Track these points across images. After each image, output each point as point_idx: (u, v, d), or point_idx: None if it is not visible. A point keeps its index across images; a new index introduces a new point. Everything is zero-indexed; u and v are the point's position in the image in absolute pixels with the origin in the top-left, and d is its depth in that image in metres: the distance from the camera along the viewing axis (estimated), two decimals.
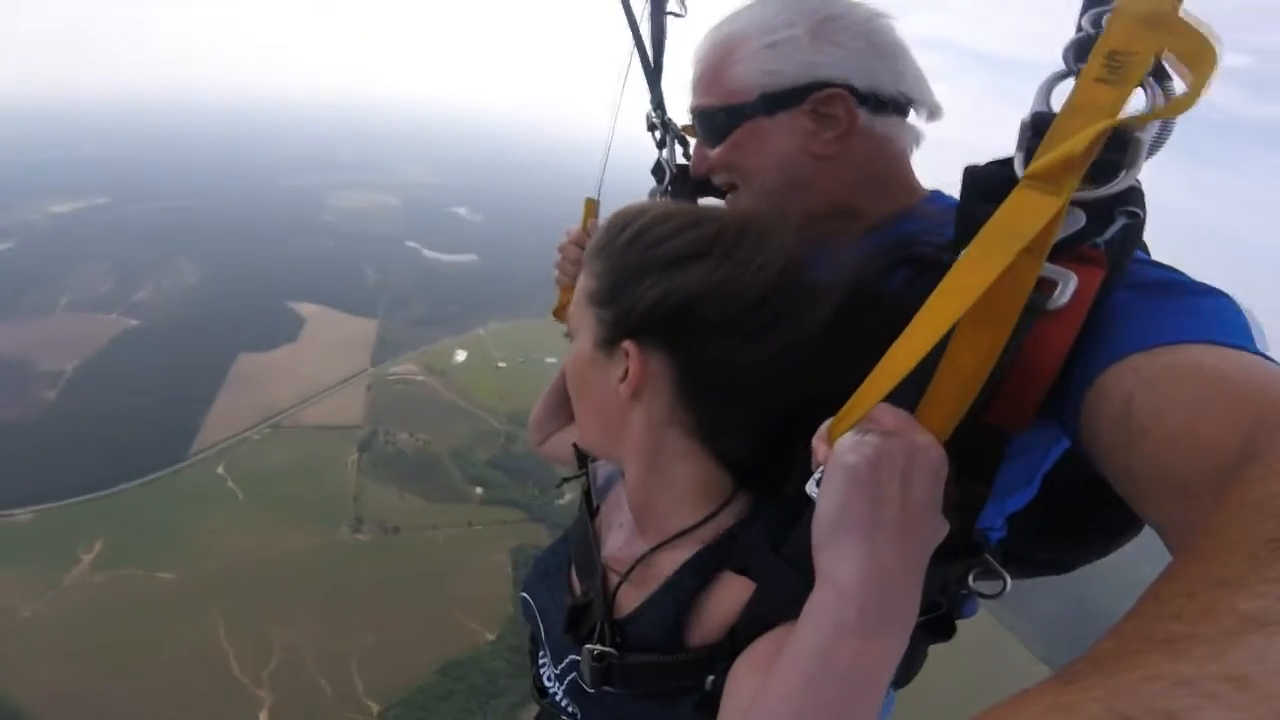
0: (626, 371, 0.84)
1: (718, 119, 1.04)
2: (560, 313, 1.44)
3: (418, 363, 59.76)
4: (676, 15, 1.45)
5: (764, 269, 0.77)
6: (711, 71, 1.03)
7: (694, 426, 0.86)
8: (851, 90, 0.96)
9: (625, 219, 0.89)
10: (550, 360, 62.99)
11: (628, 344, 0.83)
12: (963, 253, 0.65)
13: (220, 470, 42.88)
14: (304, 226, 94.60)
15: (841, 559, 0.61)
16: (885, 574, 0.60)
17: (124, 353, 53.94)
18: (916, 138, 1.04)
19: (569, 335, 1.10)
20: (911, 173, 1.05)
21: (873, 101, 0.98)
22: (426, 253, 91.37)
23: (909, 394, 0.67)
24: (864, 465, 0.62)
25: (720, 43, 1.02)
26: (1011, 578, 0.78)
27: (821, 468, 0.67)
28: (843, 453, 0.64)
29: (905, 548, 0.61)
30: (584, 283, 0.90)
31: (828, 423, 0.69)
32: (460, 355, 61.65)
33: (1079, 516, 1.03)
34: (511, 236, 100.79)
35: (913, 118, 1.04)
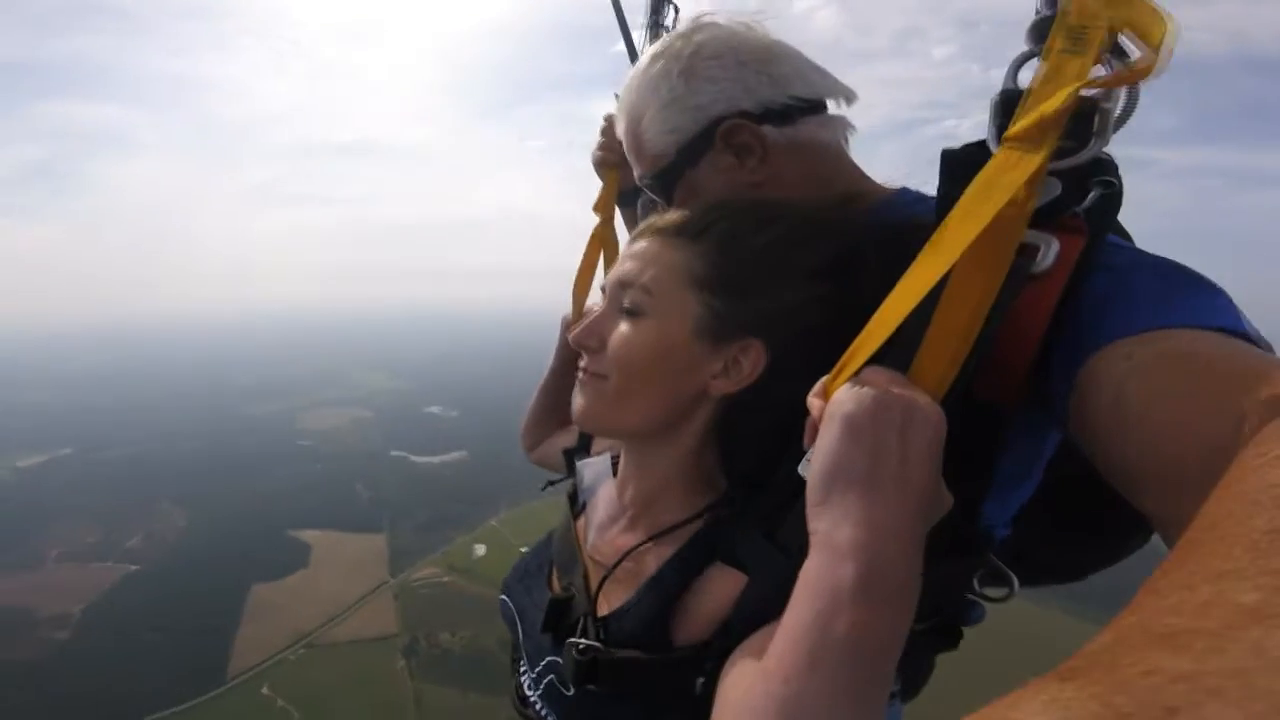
0: (728, 366, 0.87)
1: (655, 185, 1.13)
2: (602, 204, 1.60)
3: (438, 565, 62.06)
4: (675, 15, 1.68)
5: (871, 289, 0.79)
6: (633, 145, 1.14)
7: (724, 424, 0.91)
8: (745, 114, 1.03)
9: (760, 217, 0.91)
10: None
11: (754, 342, 0.86)
12: (950, 213, 0.69)
13: (266, 691, 43.58)
14: (282, 454, 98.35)
15: (838, 517, 0.61)
16: (884, 534, 0.60)
17: (130, 595, 55.18)
18: (844, 127, 1.09)
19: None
20: (858, 168, 1.11)
21: (773, 115, 1.03)
22: (414, 458, 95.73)
23: (903, 356, 0.71)
24: (863, 414, 0.63)
25: (629, 115, 1.12)
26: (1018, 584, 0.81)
27: (813, 449, 0.69)
28: (840, 403, 0.65)
29: (905, 505, 0.61)
30: (678, 261, 0.89)
31: (823, 380, 0.73)
32: (480, 549, 64.35)
33: (1088, 515, 1.07)
34: (493, 425, 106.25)
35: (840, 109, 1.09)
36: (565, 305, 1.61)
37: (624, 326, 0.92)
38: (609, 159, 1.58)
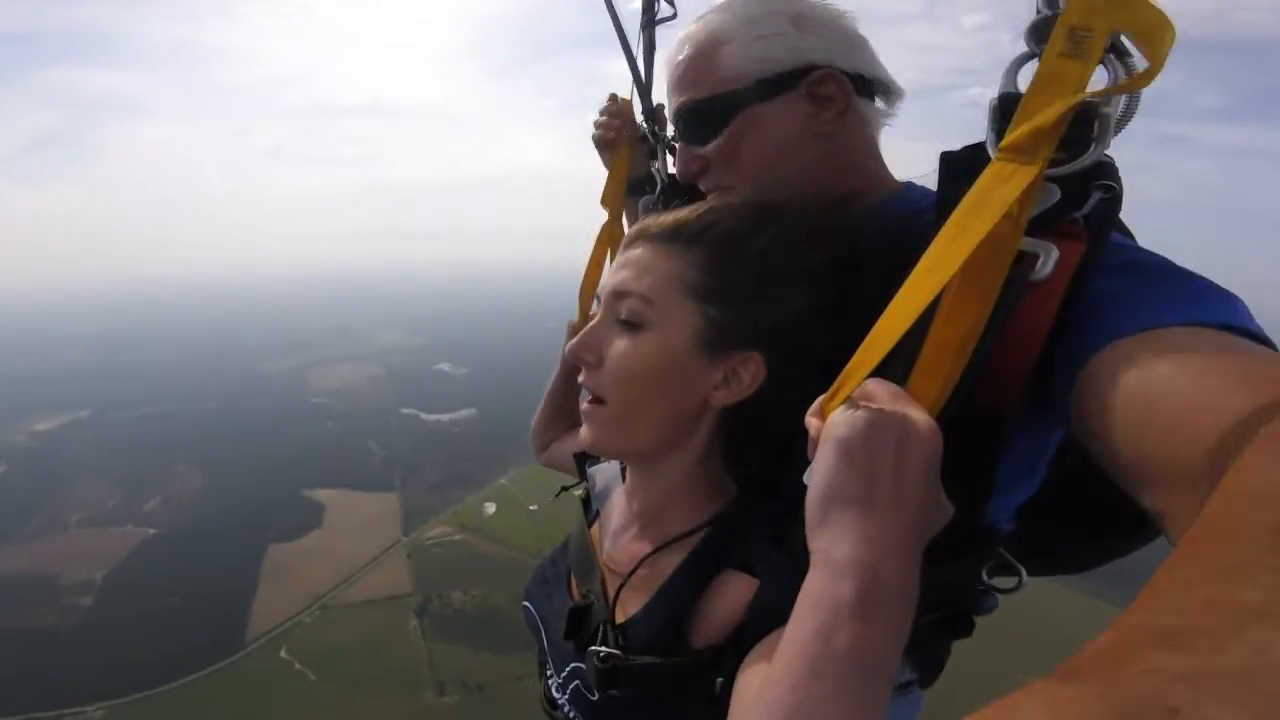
0: (727, 377, 0.87)
1: (712, 109, 1.09)
2: (610, 198, 1.58)
3: (450, 523, 63.07)
4: (668, 20, 1.66)
5: (869, 293, 0.79)
6: (700, 64, 1.10)
7: (727, 432, 0.92)
8: (840, 72, 1.05)
9: (757, 218, 0.91)
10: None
11: (753, 354, 0.86)
12: (944, 225, 0.69)
13: (283, 654, 44.94)
14: (296, 414, 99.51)
15: (835, 537, 0.63)
16: (881, 551, 0.61)
17: (150, 560, 56.72)
18: (883, 120, 1.14)
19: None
20: (883, 162, 1.15)
21: (858, 82, 1.07)
22: (425, 416, 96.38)
23: (900, 369, 0.71)
24: (856, 438, 0.64)
25: (706, 38, 1.09)
26: (1028, 574, 0.84)
27: (811, 468, 0.69)
28: (835, 426, 0.67)
29: (900, 523, 0.63)
30: (674, 269, 0.89)
31: (820, 399, 0.73)
32: (490, 508, 64.99)
33: (1093, 511, 1.07)
34: (501, 383, 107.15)
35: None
36: (576, 265, 1.58)
37: (623, 340, 0.91)
38: (608, 136, 1.57)
